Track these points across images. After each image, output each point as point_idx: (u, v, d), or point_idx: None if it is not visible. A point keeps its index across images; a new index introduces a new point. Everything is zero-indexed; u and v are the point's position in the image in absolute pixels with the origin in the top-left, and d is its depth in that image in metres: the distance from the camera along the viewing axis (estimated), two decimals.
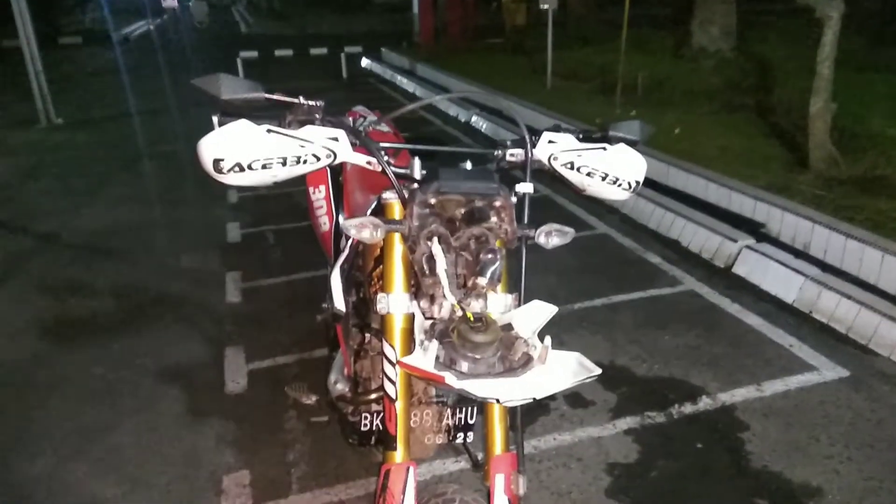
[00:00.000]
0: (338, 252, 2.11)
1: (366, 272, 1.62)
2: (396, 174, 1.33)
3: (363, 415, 1.62)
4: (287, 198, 5.02)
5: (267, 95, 1.30)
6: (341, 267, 1.50)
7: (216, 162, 1.23)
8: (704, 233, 4.07)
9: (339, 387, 1.68)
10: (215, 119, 1.30)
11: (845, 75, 5.08)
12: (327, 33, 17.76)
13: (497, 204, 1.30)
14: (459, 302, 1.24)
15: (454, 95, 1.91)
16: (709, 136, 5.74)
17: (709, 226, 4.09)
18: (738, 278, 3.67)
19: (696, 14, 8.12)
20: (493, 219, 1.29)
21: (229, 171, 1.23)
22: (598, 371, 1.08)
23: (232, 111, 1.29)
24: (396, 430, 1.32)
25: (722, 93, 6.99)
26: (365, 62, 13.02)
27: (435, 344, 1.15)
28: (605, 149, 1.45)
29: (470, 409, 1.66)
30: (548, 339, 1.17)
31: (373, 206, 1.70)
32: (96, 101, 9.83)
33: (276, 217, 4.72)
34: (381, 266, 1.44)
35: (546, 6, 8.09)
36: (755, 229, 4.06)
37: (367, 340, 1.66)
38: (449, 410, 1.64)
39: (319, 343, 2.96)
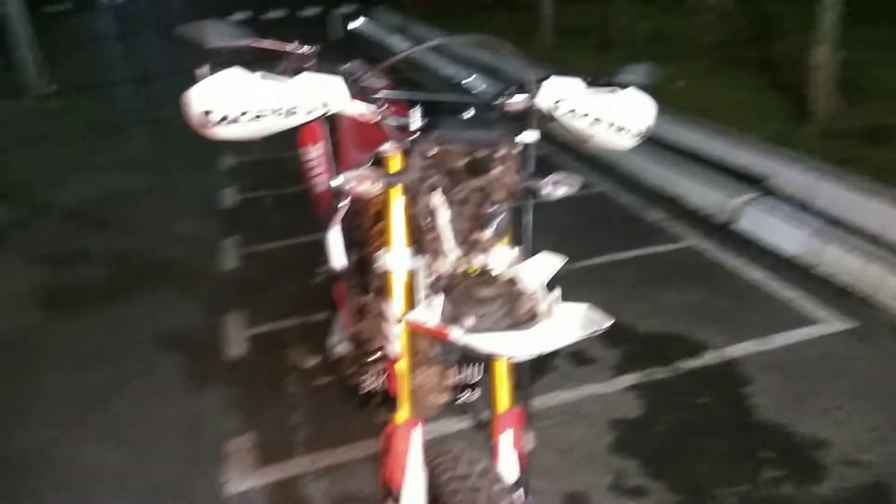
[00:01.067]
0: (336, 212, 2.08)
1: (364, 230, 1.58)
2: (396, 125, 1.27)
3: (365, 376, 1.59)
4: (284, 163, 4.94)
5: (257, 42, 1.24)
6: (340, 225, 1.46)
7: (205, 114, 1.17)
8: (704, 189, 4.01)
9: (340, 348, 1.65)
10: (199, 72, 1.24)
11: (855, 27, 4.95)
12: None
13: (500, 154, 1.25)
14: (463, 256, 1.19)
15: (452, 39, 1.81)
16: (712, 90, 5.62)
17: (709, 181, 4.04)
18: (739, 234, 3.63)
19: None
20: (497, 169, 1.24)
21: (219, 123, 1.18)
22: (609, 322, 1.04)
23: (219, 62, 1.24)
24: (399, 391, 1.29)
25: (724, 45, 6.85)
26: (354, 24, 12.74)
27: (439, 299, 1.11)
28: (612, 94, 1.39)
29: (475, 367, 1.63)
30: (556, 292, 1.13)
31: (371, 161, 1.65)
32: (88, 68, 9.64)
33: (274, 181, 4.65)
34: (380, 223, 1.40)
35: None
36: (758, 183, 4.00)
37: (366, 301, 1.62)
38: (453, 369, 1.62)
39: (319, 306, 2.93)
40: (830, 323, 2.78)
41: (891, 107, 4.50)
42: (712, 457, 2.12)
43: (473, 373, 1.62)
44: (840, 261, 3.15)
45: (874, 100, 4.65)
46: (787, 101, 5.16)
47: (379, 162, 1.39)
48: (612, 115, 1.39)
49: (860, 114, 4.51)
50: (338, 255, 1.40)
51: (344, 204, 1.47)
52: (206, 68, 1.24)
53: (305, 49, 1.27)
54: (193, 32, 1.20)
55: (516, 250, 1.30)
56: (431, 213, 1.23)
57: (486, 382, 1.37)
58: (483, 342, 1.02)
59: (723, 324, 2.81)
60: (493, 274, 1.16)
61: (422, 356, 1.61)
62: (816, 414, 2.26)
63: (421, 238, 1.28)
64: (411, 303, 1.30)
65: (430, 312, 1.10)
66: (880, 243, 3.17)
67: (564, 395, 2.41)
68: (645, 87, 1.43)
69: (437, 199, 1.21)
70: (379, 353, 1.60)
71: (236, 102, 1.17)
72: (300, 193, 4.60)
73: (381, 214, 1.39)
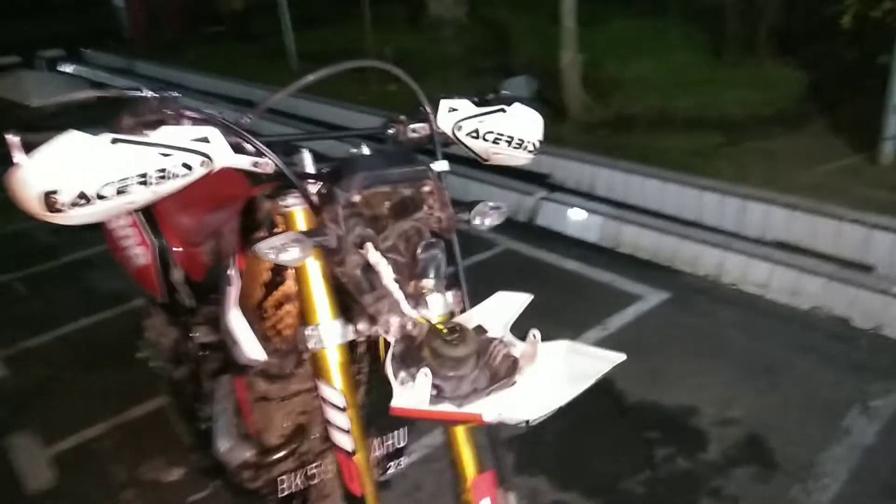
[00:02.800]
0: (167, 287, 1.72)
1: (251, 303, 1.30)
2: (289, 174, 1.04)
3: (280, 478, 1.31)
4: (28, 236, 4.12)
5: (98, 93, 0.93)
6: (236, 304, 1.16)
7: (47, 196, 0.84)
8: (499, 191, 4.17)
9: (238, 453, 1.34)
10: (13, 139, 0.90)
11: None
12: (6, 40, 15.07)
13: (426, 189, 1.09)
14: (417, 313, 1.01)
15: (337, 68, 1.40)
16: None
17: (502, 184, 4.20)
18: (543, 229, 3.82)
19: None
20: (426, 206, 1.08)
21: (71, 206, 0.85)
22: (621, 357, 0.94)
23: (37, 124, 0.91)
24: (364, 489, 1.06)
25: (467, 58, 7.26)
26: (64, 68, 11.27)
27: (422, 372, 0.91)
28: (503, 110, 1.31)
29: (399, 431, 1.43)
30: (535, 332, 1.01)
31: (228, 222, 1.37)
32: None
33: (20, 261, 3.83)
34: (273, 293, 1.14)
35: None
36: (542, 181, 4.26)
37: (264, 387, 1.33)
38: (375, 441, 1.40)
39: (135, 398, 2.46)
40: (649, 297, 3.02)
41: (628, 98, 5.11)
42: (607, 451, 2.15)
43: (399, 437, 1.43)
44: (637, 239, 3.46)
45: (612, 93, 5.23)
46: (538, 102, 5.61)
47: (262, 221, 1.14)
48: (510, 132, 1.30)
49: (605, 107, 5.04)
50: (249, 342, 1.12)
51: (233, 276, 1.18)
52: (19, 137, 0.90)
53: (154, 94, 0.98)
54: (9, 89, 0.86)
55: (451, 294, 1.15)
56: (366, 272, 1.02)
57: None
58: (510, 412, 0.86)
59: (561, 317, 2.89)
60: (460, 327, 1.00)
61: (319, 438, 1.37)
62: (675, 383, 2.41)
63: (350, 303, 1.07)
64: (352, 381, 1.08)
65: (416, 393, 0.90)
66: (665, 217, 3.55)
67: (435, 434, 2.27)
68: (526, 101, 1.37)
69: (373, 254, 1.01)
70: (288, 449, 1.34)
71: (90, 175, 0.86)
72: (62, 269, 3.92)
73: (272, 283, 1.14)
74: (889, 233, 2.88)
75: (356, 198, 1.01)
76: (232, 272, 1.15)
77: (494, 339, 1.03)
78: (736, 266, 3.10)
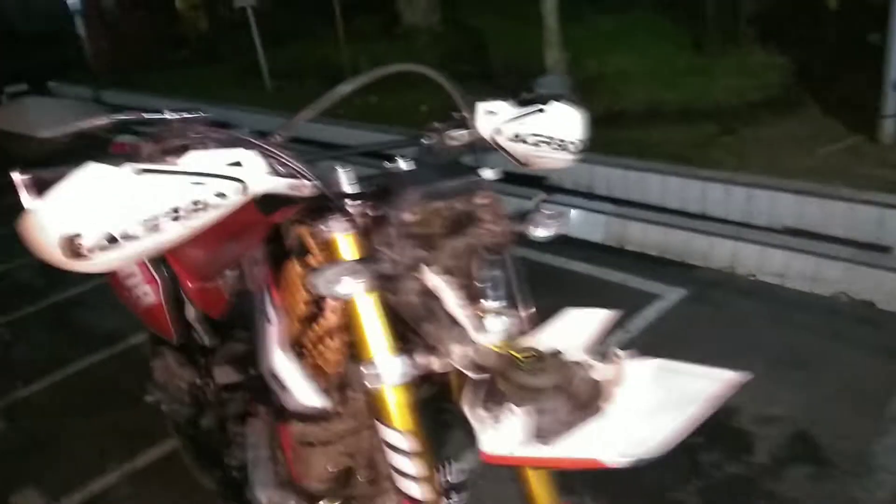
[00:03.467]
0: (181, 326, 1.60)
1: (290, 337, 1.18)
2: (327, 192, 0.94)
3: None
4: (5, 279, 3.94)
5: (118, 116, 0.81)
6: (278, 339, 1.03)
7: (70, 241, 0.72)
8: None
9: (281, 502, 1.22)
10: (22, 178, 0.78)
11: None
12: None
13: (480, 201, 0.99)
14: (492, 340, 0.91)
15: (364, 80, 1.19)
16: (451, 107, 5.83)
17: (499, 189, 4.09)
18: None
19: None
20: (484, 220, 0.98)
21: (96, 250, 0.74)
22: (733, 375, 0.84)
23: (43, 159, 0.80)
24: None
25: (446, 65, 7.18)
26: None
27: (512, 411, 0.81)
28: (542, 110, 1.21)
29: (447, 463, 1.32)
30: (618, 351, 0.91)
31: (247, 252, 1.26)
32: None
33: (4, 304, 3.66)
34: (313, 328, 1.03)
35: (245, 4, 7.55)
36: (539, 183, 4.17)
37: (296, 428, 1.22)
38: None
39: (143, 444, 2.32)
40: (667, 295, 2.94)
41: (615, 93, 5.05)
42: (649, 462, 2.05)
43: (453, 470, 1.31)
44: (643, 236, 3.38)
45: (599, 90, 5.17)
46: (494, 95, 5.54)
47: (292, 248, 1.03)
48: (552, 132, 1.20)
49: (594, 104, 4.97)
50: (301, 386, 1.00)
51: (271, 312, 1.05)
52: (32, 173, 0.79)
53: (186, 115, 0.86)
54: (11, 119, 0.75)
55: (515, 313, 1.04)
56: (424, 298, 0.92)
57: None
58: (646, 448, 0.76)
59: None
60: (540, 354, 0.90)
61: (376, 472, 1.26)
62: None
63: (406, 333, 0.96)
64: (416, 422, 0.97)
65: (507, 436, 0.79)
66: (669, 212, 3.48)
67: None
68: (566, 98, 1.28)
69: (433, 278, 0.91)
70: (334, 495, 1.22)
71: (117, 213, 0.75)
72: (51, 311, 3.74)
73: (310, 317, 1.03)
74: None
75: (410, 217, 0.91)
76: (270, 309, 1.04)
77: (572, 362, 0.92)
78: (750, 256, 3.03)
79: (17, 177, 0.77)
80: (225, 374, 1.51)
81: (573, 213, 3.66)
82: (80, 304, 3.44)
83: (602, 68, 5.48)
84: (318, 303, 1.02)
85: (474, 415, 0.84)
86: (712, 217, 3.38)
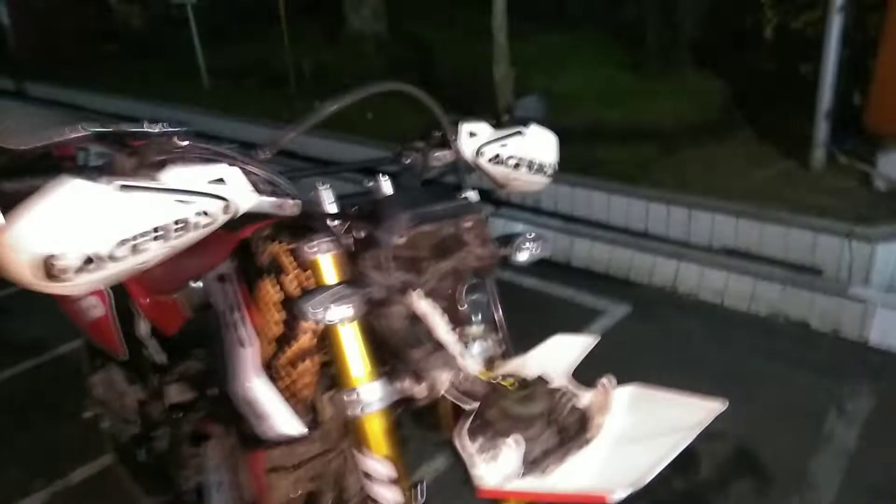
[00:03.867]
0: (131, 341, 1.51)
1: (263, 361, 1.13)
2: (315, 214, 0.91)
3: None
4: None
5: (95, 128, 0.76)
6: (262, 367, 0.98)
7: (45, 262, 0.67)
8: None
9: None
10: None
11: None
12: None
13: (466, 225, 0.97)
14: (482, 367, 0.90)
15: (353, 98, 1.15)
16: (396, 116, 5.80)
17: None
18: None
19: None
20: (469, 243, 0.97)
21: (71, 271, 0.68)
22: (724, 404, 0.86)
23: (14, 176, 0.75)
24: None
25: (391, 74, 7.15)
26: None
27: (508, 441, 0.79)
28: (521, 133, 1.21)
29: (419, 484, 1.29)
30: (608, 379, 0.91)
31: (209, 267, 1.20)
32: None
33: None
34: (285, 350, 0.99)
35: (184, 1, 7.34)
36: (487, 198, 4.20)
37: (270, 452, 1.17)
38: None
39: (75, 459, 2.20)
40: (611, 311, 3.00)
41: (560, 111, 5.13)
42: None
43: (423, 491, 1.29)
44: (590, 252, 3.45)
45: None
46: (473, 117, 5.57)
47: (271, 268, 0.99)
48: (530, 155, 1.21)
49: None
50: (281, 414, 0.95)
51: (251, 338, 1.00)
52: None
53: (166, 129, 0.82)
54: None
55: (492, 338, 1.04)
56: (411, 324, 0.90)
57: None
58: (624, 478, 0.75)
59: (532, 338, 2.82)
60: (528, 381, 0.89)
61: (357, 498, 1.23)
62: None
63: (388, 359, 0.94)
64: (396, 449, 0.94)
65: (500, 468, 0.78)
66: (613, 229, 3.56)
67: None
68: (542, 121, 1.29)
69: (422, 304, 0.89)
70: None
71: (99, 233, 0.70)
72: None
73: (284, 339, 0.99)
74: (833, 236, 2.98)
75: (400, 240, 0.88)
76: (243, 331, 0.99)
77: (558, 390, 0.92)
78: (691, 275, 3.14)
79: None
80: (177, 393, 1.44)
81: (521, 228, 3.70)
82: (1, 311, 3.23)
83: (548, 86, 5.57)
84: (290, 324, 0.98)
85: (464, 447, 0.82)
86: (654, 236, 3.48)
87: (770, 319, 2.87)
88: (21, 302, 3.26)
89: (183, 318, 1.38)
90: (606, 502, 0.72)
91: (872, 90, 3.32)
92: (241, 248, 1.10)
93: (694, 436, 0.83)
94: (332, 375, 1.00)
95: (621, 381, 2.07)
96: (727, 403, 0.85)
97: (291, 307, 0.96)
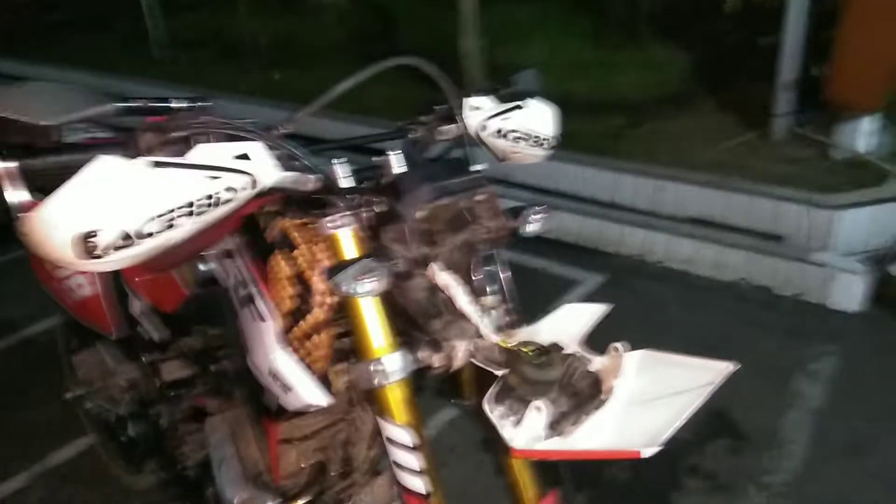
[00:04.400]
0: (124, 319, 1.50)
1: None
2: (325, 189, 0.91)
3: None
4: None
5: (124, 104, 0.75)
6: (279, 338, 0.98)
7: (85, 239, 0.67)
8: None
9: (257, 502, 1.18)
10: (8, 167, 0.72)
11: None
12: None
13: (479, 198, 1.00)
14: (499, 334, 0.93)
15: (367, 73, 1.13)
16: (365, 88, 5.74)
17: None
18: None
19: None
20: (483, 216, 1.00)
21: (110, 248, 0.68)
22: (728, 365, 0.90)
23: (39, 154, 0.74)
24: None
25: (353, 45, 7.04)
26: None
27: (537, 406, 0.83)
28: (520, 107, 1.23)
29: None
30: (620, 345, 0.95)
31: (212, 243, 1.20)
32: None
33: None
34: (300, 324, 1.00)
35: None
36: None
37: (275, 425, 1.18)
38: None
39: (55, 440, 2.18)
40: (586, 281, 3.07)
41: None
42: None
43: None
44: (561, 223, 3.50)
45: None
46: (439, 92, 5.55)
47: (282, 243, 0.99)
48: (530, 129, 1.23)
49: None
50: (307, 384, 0.96)
51: (265, 309, 1.00)
52: (21, 162, 0.72)
53: (192, 104, 0.81)
54: (12, 104, 0.67)
55: (503, 308, 1.07)
56: (432, 295, 0.92)
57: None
58: (644, 437, 0.79)
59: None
60: (545, 347, 0.92)
61: (357, 466, 1.26)
62: None
63: (408, 329, 0.96)
64: (418, 418, 0.97)
65: (527, 431, 0.82)
66: (583, 200, 3.62)
67: None
68: (540, 94, 1.31)
69: (443, 275, 0.91)
70: (310, 491, 1.20)
71: (135, 209, 0.69)
72: None
73: (297, 312, 1.00)
74: (794, 204, 3.09)
75: (421, 214, 0.90)
76: (262, 306, 0.99)
77: (571, 355, 0.96)
78: (660, 244, 3.22)
79: (2, 165, 0.71)
80: (175, 370, 1.44)
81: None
82: None
83: (513, 58, 5.57)
84: (304, 297, 0.99)
85: (494, 411, 0.85)
86: (623, 206, 3.55)
87: (735, 285, 2.98)
88: None
89: (182, 294, 1.38)
90: (635, 457, 0.76)
91: (832, 62, 3.42)
92: (246, 224, 1.10)
93: (707, 394, 0.87)
94: (342, 349, 1.02)
95: (599, 348, 2.13)
96: (739, 365, 0.89)
97: (304, 281, 0.97)
